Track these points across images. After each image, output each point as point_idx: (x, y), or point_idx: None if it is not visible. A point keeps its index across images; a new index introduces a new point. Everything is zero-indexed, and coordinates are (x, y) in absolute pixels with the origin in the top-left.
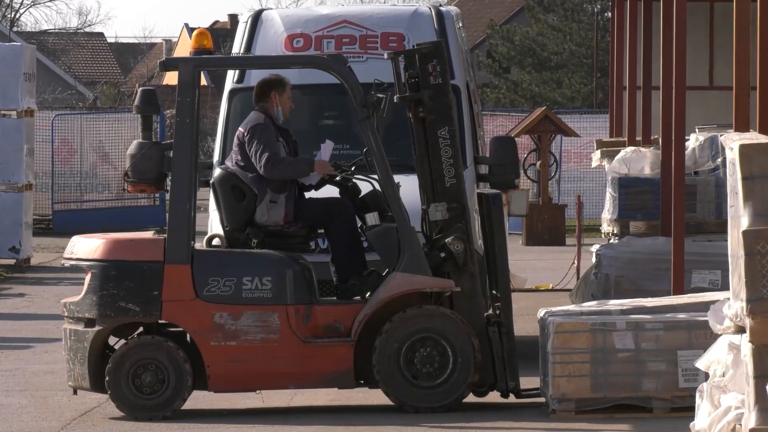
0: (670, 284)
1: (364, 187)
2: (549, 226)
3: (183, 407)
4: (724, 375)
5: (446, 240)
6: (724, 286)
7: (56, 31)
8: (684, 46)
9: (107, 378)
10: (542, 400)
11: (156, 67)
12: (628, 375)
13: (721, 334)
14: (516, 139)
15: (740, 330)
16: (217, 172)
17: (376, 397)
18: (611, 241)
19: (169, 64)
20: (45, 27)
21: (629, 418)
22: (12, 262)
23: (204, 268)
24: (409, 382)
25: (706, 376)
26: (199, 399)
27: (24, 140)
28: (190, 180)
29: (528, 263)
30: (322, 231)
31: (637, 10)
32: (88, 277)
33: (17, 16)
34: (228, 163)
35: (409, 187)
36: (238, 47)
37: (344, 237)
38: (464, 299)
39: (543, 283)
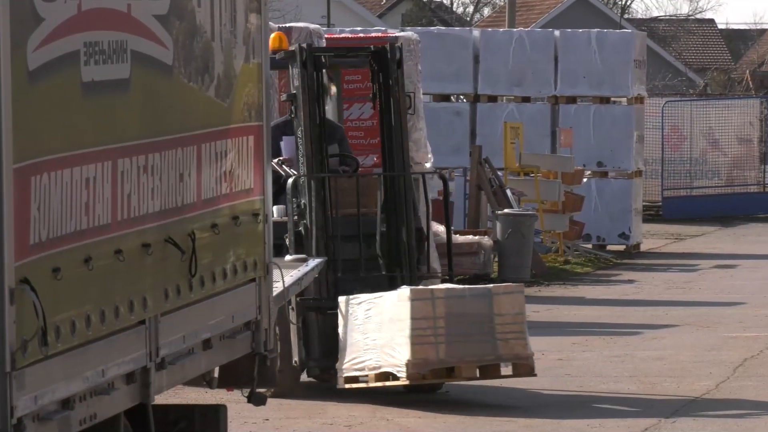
0: None
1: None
2: None
3: None
4: None
5: None
6: None
7: (667, 17)
8: None
9: None
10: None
11: (766, 53)
12: None
13: None
14: None
15: None
16: None
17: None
18: None
19: None
20: (656, 14)
21: None
22: (621, 248)
23: None
24: None
25: None
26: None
27: (634, 127)
28: None
29: None
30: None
31: None
32: None
33: (628, 3)
34: None
35: None
36: None
37: None
38: None
39: None
